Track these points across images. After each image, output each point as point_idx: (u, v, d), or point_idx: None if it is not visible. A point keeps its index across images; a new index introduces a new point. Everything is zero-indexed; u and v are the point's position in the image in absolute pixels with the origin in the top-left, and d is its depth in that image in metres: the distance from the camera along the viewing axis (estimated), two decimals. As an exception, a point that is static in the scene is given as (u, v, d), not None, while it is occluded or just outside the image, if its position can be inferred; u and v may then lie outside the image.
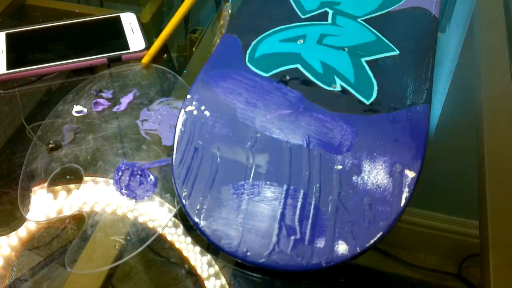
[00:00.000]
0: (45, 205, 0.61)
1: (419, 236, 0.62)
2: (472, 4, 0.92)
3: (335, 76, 0.68)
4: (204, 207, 0.57)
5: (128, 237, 0.59)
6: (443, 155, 0.70)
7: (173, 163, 0.61)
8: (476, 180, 0.66)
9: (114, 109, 0.71)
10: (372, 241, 0.54)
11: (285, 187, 0.58)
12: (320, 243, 0.54)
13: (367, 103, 0.65)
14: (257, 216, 0.56)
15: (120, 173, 0.64)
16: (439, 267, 0.59)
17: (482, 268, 0.57)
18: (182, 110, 0.65)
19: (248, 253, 0.54)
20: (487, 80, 0.77)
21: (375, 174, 0.59)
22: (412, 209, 0.61)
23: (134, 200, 0.62)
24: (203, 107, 0.65)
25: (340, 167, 0.60)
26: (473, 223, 0.62)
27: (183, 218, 0.60)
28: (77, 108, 0.71)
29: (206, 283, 0.56)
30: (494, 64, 0.79)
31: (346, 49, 0.71)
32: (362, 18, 0.76)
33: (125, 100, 0.72)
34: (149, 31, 0.84)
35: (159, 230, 0.59)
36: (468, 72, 0.82)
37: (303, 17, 0.77)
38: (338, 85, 0.67)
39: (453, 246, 0.61)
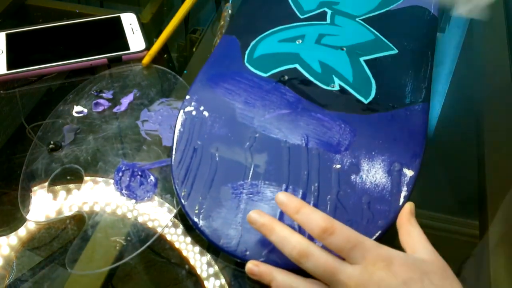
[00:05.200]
0: (45, 205, 0.61)
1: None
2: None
3: (334, 76, 0.68)
4: (203, 206, 0.57)
5: (128, 238, 0.59)
6: (443, 155, 0.70)
7: (172, 163, 0.61)
8: (476, 180, 0.66)
9: (115, 110, 0.71)
10: (370, 240, 0.55)
11: (284, 186, 0.58)
12: (319, 241, 0.54)
13: (366, 102, 0.65)
14: (256, 215, 0.56)
15: (120, 174, 0.64)
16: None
17: (482, 268, 0.57)
18: (181, 111, 0.65)
19: (247, 253, 0.54)
20: (487, 80, 0.77)
21: (373, 173, 0.59)
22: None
23: (134, 201, 0.62)
24: (202, 108, 0.65)
25: (338, 166, 0.60)
26: (473, 223, 0.62)
27: (183, 218, 0.60)
28: (77, 108, 0.71)
29: (205, 283, 0.56)
30: (494, 64, 0.80)
31: (344, 48, 0.71)
32: (361, 18, 0.76)
33: (126, 101, 0.72)
34: (149, 32, 0.84)
35: (159, 231, 0.59)
36: (468, 72, 0.82)
37: (301, 17, 0.77)
38: (337, 84, 0.67)
39: (453, 246, 0.61)
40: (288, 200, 0.52)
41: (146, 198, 0.62)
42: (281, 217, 0.56)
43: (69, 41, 0.80)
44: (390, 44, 0.72)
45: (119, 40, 0.79)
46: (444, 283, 0.48)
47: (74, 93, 0.73)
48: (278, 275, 0.51)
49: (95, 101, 0.72)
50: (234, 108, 0.65)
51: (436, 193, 0.66)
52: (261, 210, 0.53)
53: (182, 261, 0.58)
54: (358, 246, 0.49)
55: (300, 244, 0.50)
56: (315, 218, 0.51)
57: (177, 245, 0.59)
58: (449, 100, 0.75)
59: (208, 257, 0.58)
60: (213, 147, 0.62)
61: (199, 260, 0.58)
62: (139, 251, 0.58)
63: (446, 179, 0.67)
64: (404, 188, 0.58)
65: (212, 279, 0.56)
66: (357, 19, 0.76)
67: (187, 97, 0.66)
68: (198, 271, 0.57)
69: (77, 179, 0.64)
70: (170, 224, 0.60)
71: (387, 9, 0.78)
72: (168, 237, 0.59)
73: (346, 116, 0.64)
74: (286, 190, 0.58)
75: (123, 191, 0.62)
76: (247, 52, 0.72)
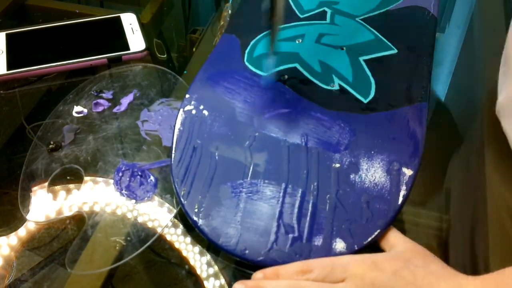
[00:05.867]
0: (45, 205, 0.61)
1: (419, 236, 0.62)
2: (472, 4, 0.91)
3: (333, 75, 0.68)
4: (203, 205, 0.57)
5: (128, 238, 0.59)
6: (443, 155, 0.70)
7: (172, 162, 0.61)
8: (476, 180, 0.66)
9: (114, 110, 0.71)
10: (369, 239, 0.55)
11: (283, 185, 0.58)
12: (318, 241, 0.55)
13: (365, 101, 0.65)
14: (255, 214, 0.57)
15: (120, 174, 0.64)
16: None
17: (482, 267, 0.57)
18: (181, 110, 0.65)
19: (247, 251, 0.55)
20: (487, 80, 0.77)
21: (372, 172, 0.59)
22: (412, 209, 0.61)
23: (134, 201, 0.62)
24: (201, 107, 0.65)
25: (338, 165, 0.60)
26: (472, 223, 0.62)
27: (183, 218, 0.60)
28: (77, 108, 0.71)
29: (205, 283, 0.56)
30: (494, 64, 0.79)
31: (344, 48, 0.71)
32: (361, 17, 0.76)
33: (125, 101, 0.72)
34: (149, 32, 0.84)
35: (159, 231, 0.59)
36: (468, 72, 0.82)
37: (301, 16, 0.77)
38: (336, 84, 0.67)
39: (452, 246, 0.61)
40: (258, 277, 0.53)
41: (146, 198, 0.62)
42: (280, 216, 0.56)
43: (69, 41, 0.80)
44: (390, 44, 0.72)
45: (119, 40, 0.79)
46: (427, 263, 0.51)
47: (74, 93, 0.73)
48: (268, 285, 0.52)
49: (95, 101, 0.72)
50: (234, 107, 0.65)
51: (435, 193, 0.66)
52: (243, 280, 0.53)
53: (182, 261, 0.58)
54: (335, 265, 0.52)
55: (291, 285, 0.51)
56: (288, 269, 0.53)
57: (177, 245, 0.59)
58: (448, 100, 0.75)
59: (208, 257, 0.58)
60: (212, 146, 0.62)
61: (199, 260, 0.58)
62: (139, 251, 0.58)
63: (446, 179, 0.67)
64: (403, 187, 0.58)
65: (212, 279, 0.56)
66: (357, 19, 0.76)
67: (187, 96, 0.66)
68: (198, 271, 0.57)
69: (77, 179, 0.64)
70: (170, 224, 0.60)
71: (387, 9, 0.78)
72: (168, 237, 0.59)
73: (345, 115, 0.64)
74: (285, 189, 0.58)
75: (123, 191, 0.62)
76: (247, 51, 0.72)
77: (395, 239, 0.55)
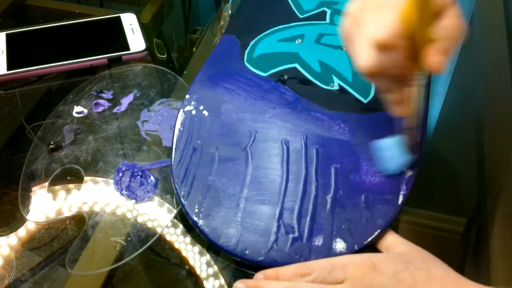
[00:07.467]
0: (45, 205, 0.61)
1: (419, 236, 0.62)
2: (472, 4, 0.91)
3: (333, 75, 0.68)
4: (203, 206, 0.57)
5: (128, 238, 0.59)
6: (443, 155, 0.70)
7: (172, 162, 0.61)
8: (476, 180, 0.66)
9: (115, 110, 0.71)
10: (370, 239, 0.55)
11: (283, 185, 0.58)
12: (318, 241, 0.55)
13: (365, 101, 0.65)
14: (255, 214, 0.57)
15: (120, 174, 0.64)
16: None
17: (482, 267, 0.57)
18: (181, 110, 0.65)
19: (247, 251, 0.55)
20: (487, 80, 0.77)
21: (372, 172, 0.59)
22: (412, 209, 0.61)
23: (134, 201, 0.62)
24: (201, 107, 0.65)
25: (338, 165, 0.60)
26: (472, 223, 0.62)
27: (183, 218, 0.60)
28: (77, 108, 0.71)
29: (205, 283, 0.56)
30: (494, 64, 0.79)
31: (344, 48, 0.71)
32: (361, 18, 0.76)
33: (126, 101, 0.72)
34: (149, 32, 0.84)
35: (159, 231, 0.59)
36: (467, 72, 0.81)
37: (301, 16, 0.77)
38: (336, 84, 0.67)
39: (453, 246, 0.61)
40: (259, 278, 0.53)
41: (146, 198, 0.62)
42: (280, 216, 0.56)
43: (69, 41, 0.80)
44: (390, 44, 0.72)
45: (119, 40, 0.79)
46: (428, 265, 0.51)
47: (74, 93, 0.73)
48: (267, 285, 0.52)
49: (95, 102, 0.72)
50: (234, 107, 0.65)
51: (436, 193, 0.66)
52: (243, 279, 0.54)
53: (182, 261, 0.58)
54: (334, 266, 0.51)
55: (290, 286, 0.51)
56: (288, 270, 0.53)
57: (177, 245, 0.59)
58: (449, 100, 0.75)
59: (208, 257, 0.58)
60: (212, 147, 0.62)
61: (199, 260, 0.58)
62: (139, 251, 0.58)
63: (446, 179, 0.67)
64: (403, 187, 0.58)
65: (212, 279, 0.56)
66: (356, 19, 0.76)
67: (187, 96, 0.67)
68: (198, 271, 0.57)
69: (77, 179, 0.64)
70: (170, 224, 0.60)
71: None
72: (168, 237, 0.59)
73: (345, 115, 0.64)
74: (285, 189, 0.58)
75: (123, 192, 0.62)
76: (246, 52, 0.72)
77: (392, 240, 0.55)
